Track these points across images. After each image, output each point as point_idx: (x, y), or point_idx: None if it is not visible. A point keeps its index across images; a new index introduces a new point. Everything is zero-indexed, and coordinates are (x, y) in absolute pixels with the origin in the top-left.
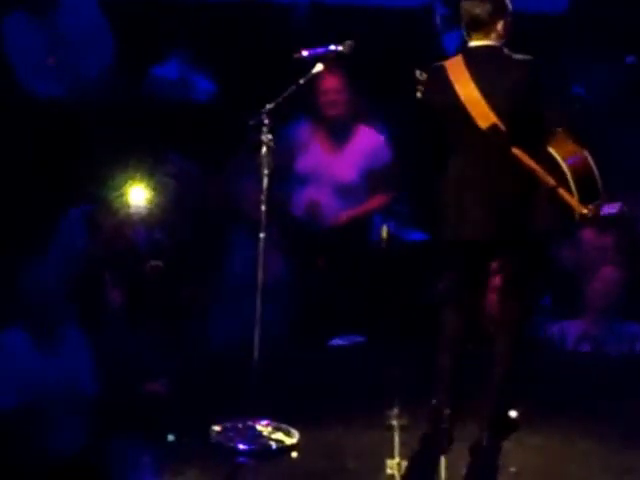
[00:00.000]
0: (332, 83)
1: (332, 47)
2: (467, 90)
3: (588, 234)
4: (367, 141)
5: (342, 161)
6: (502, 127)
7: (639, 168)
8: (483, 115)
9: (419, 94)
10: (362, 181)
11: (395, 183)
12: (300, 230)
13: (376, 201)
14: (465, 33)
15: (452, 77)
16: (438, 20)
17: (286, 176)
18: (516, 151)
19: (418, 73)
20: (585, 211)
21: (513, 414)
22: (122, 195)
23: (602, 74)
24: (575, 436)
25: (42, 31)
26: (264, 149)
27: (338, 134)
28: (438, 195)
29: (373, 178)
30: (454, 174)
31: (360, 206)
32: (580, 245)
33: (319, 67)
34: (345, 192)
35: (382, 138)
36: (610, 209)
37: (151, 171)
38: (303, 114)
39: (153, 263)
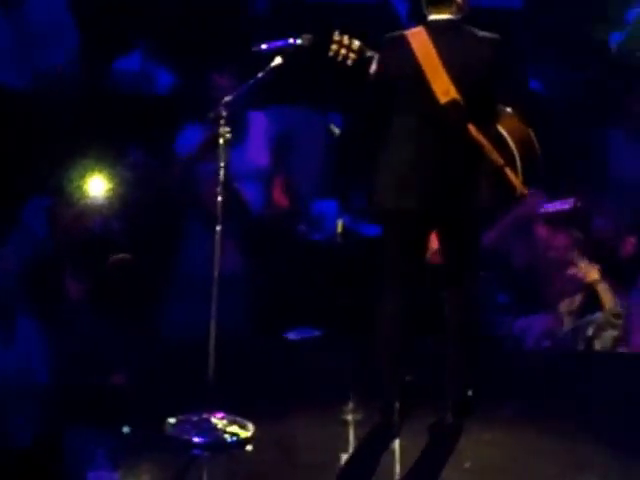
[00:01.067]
0: (227, 81)
1: (291, 40)
2: (430, 62)
3: (541, 231)
4: (263, 123)
5: (249, 149)
6: (461, 103)
7: (595, 165)
8: (444, 89)
9: (331, 53)
10: (270, 162)
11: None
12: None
13: (281, 179)
14: (425, 7)
15: (414, 47)
16: (403, 14)
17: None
18: (471, 127)
19: (336, 34)
20: (526, 192)
21: (469, 392)
22: (81, 186)
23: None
24: (528, 432)
25: (6, 22)
26: (221, 141)
27: (235, 126)
28: (380, 163)
29: (276, 156)
30: (403, 144)
31: (277, 187)
32: (533, 242)
33: (278, 60)
34: (262, 177)
35: (270, 118)
36: (563, 205)
37: (110, 163)
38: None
39: (119, 256)
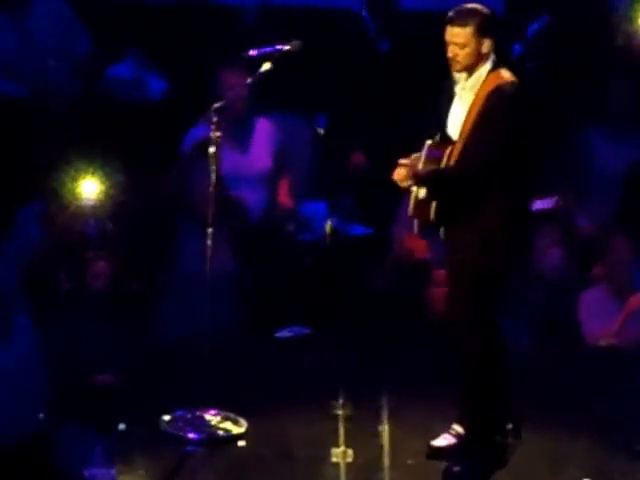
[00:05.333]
0: (237, 79)
1: (279, 46)
2: None
3: None
4: (267, 129)
5: (254, 153)
6: None
7: (578, 163)
8: None
9: None
10: (274, 166)
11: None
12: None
13: (286, 182)
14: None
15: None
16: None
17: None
18: None
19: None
20: None
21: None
22: (74, 189)
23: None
24: None
25: (13, 31)
26: (212, 146)
27: (241, 129)
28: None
29: (279, 161)
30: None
31: (282, 189)
32: None
33: (267, 66)
34: (263, 181)
35: (274, 124)
36: (545, 204)
37: (102, 166)
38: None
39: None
